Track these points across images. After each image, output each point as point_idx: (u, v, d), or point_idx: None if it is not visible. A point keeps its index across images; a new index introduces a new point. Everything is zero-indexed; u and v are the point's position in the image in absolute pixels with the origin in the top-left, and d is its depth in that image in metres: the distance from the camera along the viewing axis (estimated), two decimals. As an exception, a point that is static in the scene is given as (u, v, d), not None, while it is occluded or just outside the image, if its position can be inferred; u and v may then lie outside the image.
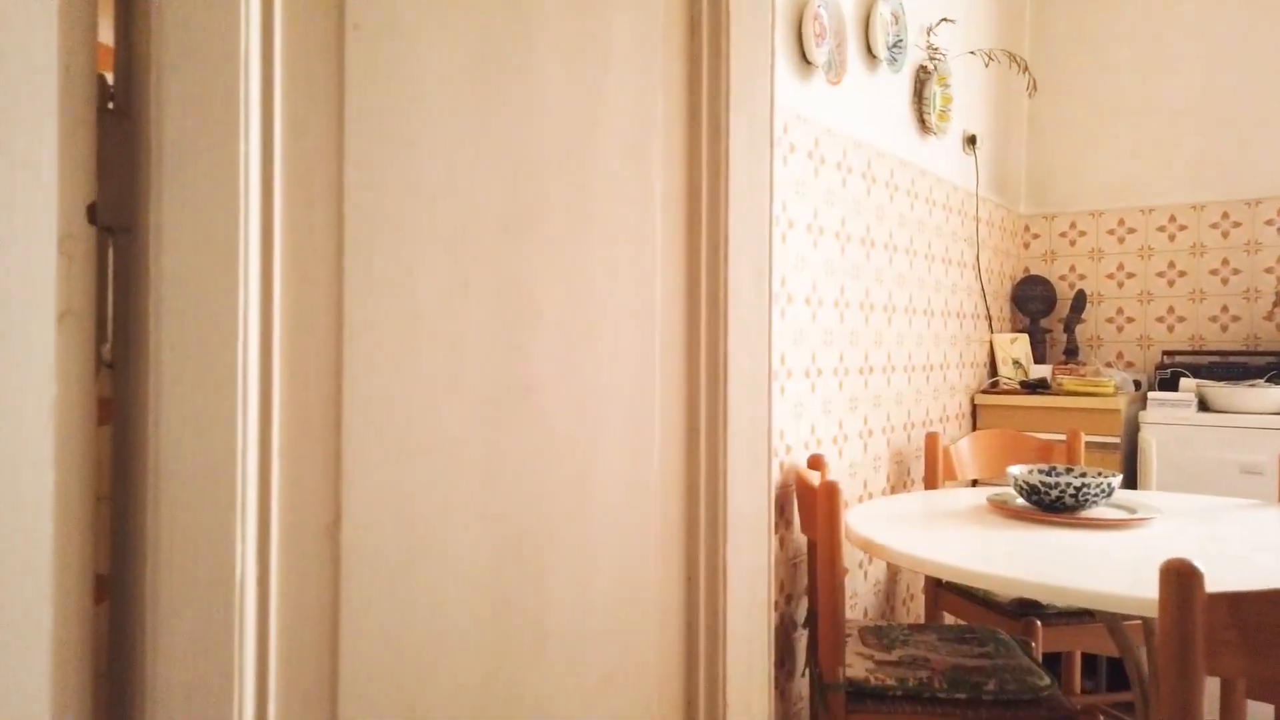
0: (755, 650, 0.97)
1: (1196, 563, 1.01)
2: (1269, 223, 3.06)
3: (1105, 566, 1.43)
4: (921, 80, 2.60)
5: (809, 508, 1.71)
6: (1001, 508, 1.85)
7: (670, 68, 0.91)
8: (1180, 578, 1.01)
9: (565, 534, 0.82)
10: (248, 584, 0.63)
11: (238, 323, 0.62)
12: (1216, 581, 1.33)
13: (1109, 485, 1.78)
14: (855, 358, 2.30)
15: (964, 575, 1.42)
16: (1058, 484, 1.77)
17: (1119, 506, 1.86)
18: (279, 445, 0.65)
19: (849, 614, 2.23)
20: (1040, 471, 1.95)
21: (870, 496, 2.37)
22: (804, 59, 2.03)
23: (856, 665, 1.65)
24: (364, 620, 0.68)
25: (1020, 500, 1.90)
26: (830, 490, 1.56)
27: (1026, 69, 2.81)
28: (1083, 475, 1.90)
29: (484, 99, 0.75)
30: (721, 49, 0.94)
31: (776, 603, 1.95)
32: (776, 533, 1.96)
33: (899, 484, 2.53)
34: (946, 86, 2.68)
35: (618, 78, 0.86)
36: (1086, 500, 1.78)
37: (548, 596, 0.81)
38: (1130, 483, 2.80)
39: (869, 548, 1.62)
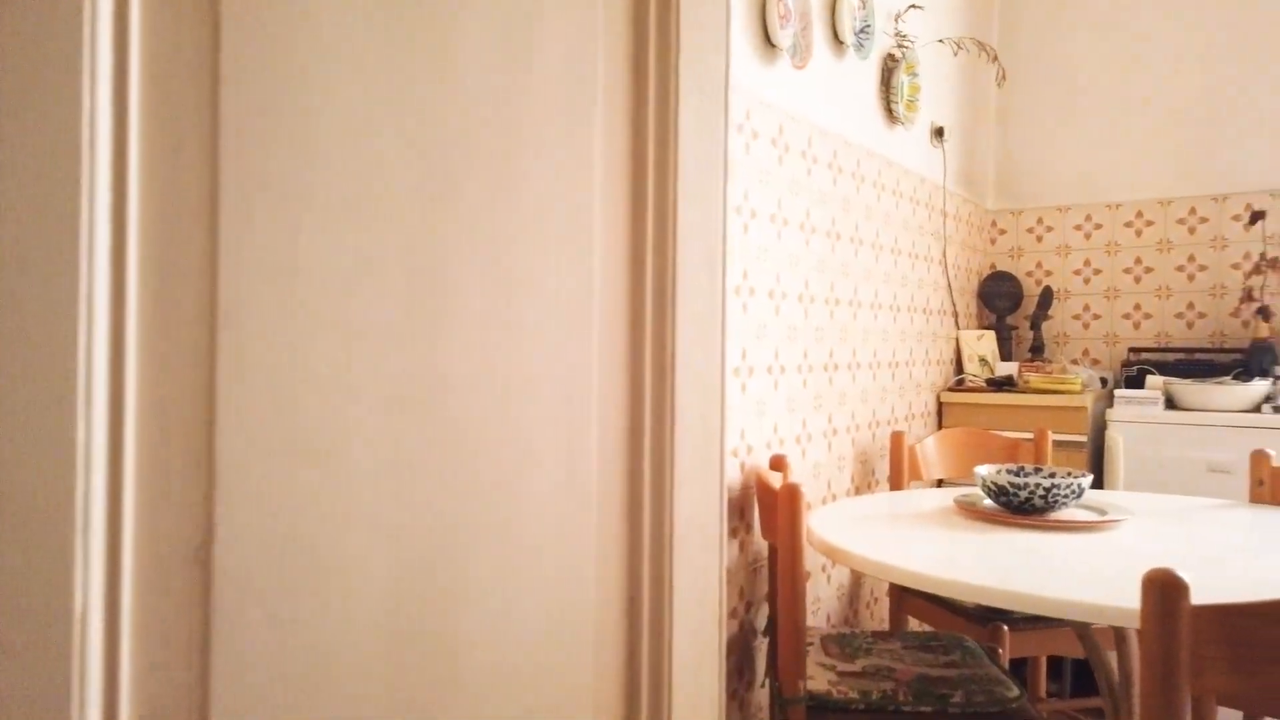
0: (704, 674, 0.88)
1: (1178, 571, 0.94)
2: (1236, 218, 3.03)
3: (1078, 572, 1.36)
4: (889, 68, 2.52)
5: (770, 511, 1.63)
6: (969, 509, 1.78)
7: (613, 24, 0.82)
8: (1165, 589, 0.94)
9: (486, 551, 0.72)
10: (91, 622, 0.52)
11: (79, 305, 0.52)
12: (1193, 586, 1.26)
13: (1079, 486, 1.72)
14: (820, 354, 2.22)
15: (931, 583, 1.35)
16: (1027, 485, 1.71)
17: (1089, 507, 1.80)
18: (134, 453, 0.54)
19: (810, 620, 2.16)
20: (1009, 472, 1.88)
21: (834, 497, 2.30)
22: (768, 41, 1.94)
23: (818, 677, 1.57)
24: (240, 660, 0.58)
25: (988, 501, 1.84)
26: (792, 493, 1.48)
27: (996, 58, 2.75)
28: (1052, 475, 1.84)
29: (392, 41, 0.65)
30: (671, 6, 0.85)
31: (735, 610, 1.87)
32: (736, 536, 1.88)
33: (863, 484, 2.46)
34: (915, 75, 2.61)
35: (552, 29, 0.76)
36: (1056, 502, 1.72)
37: (464, 622, 0.71)
38: (1098, 482, 2.76)
39: (832, 553, 1.54)
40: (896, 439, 2.34)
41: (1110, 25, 3.25)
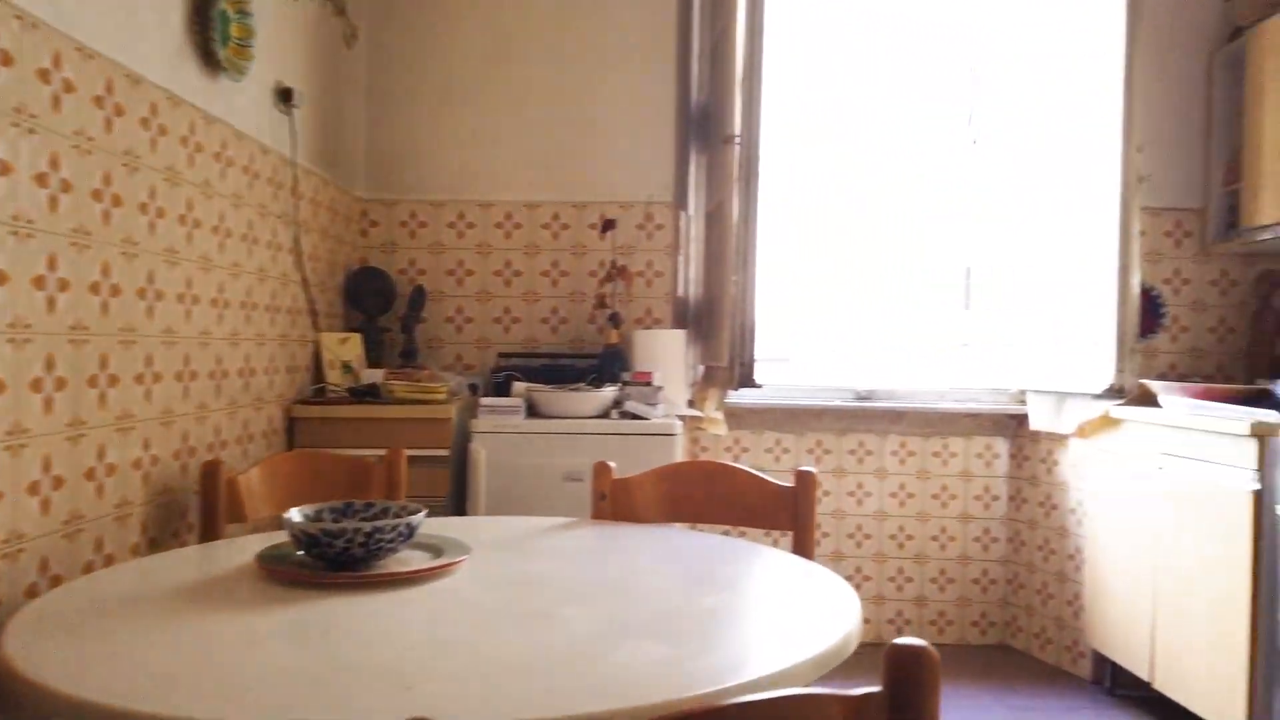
0: None
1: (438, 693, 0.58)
2: (592, 227, 3.10)
3: (375, 662, 0.99)
4: (204, -5, 1.96)
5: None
6: (275, 570, 1.33)
7: None
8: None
9: None
10: None
11: None
12: (513, 661, 0.98)
13: (407, 526, 1.37)
14: (81, 363, 1.57)
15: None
16: (344, 532, 1.31)
17: (425, 548, 1.48)
18: None
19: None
20: (331, 512, 1.47)
21: (109, 562, 1.66)
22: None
23: None
24: None
25: (302, 554, 1.40)
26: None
27: (343, 12, 2.35)
28: (382, 514, 1.47)
29: None
30: None
31: None
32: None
33: (165, 536, 1.86)
34: (245, 15, 2.08)
35: None
36: (382, 549, 1.35)
37: None
38: (461, 499, 2.54)
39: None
40: (210, 470, 1.79)
41: (487, 19, 3.12)
